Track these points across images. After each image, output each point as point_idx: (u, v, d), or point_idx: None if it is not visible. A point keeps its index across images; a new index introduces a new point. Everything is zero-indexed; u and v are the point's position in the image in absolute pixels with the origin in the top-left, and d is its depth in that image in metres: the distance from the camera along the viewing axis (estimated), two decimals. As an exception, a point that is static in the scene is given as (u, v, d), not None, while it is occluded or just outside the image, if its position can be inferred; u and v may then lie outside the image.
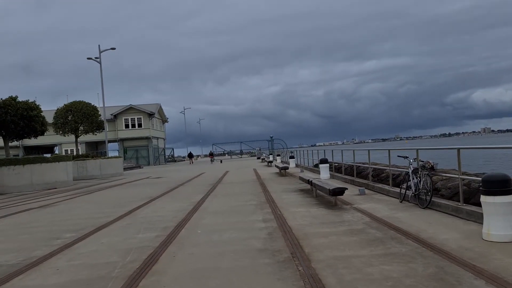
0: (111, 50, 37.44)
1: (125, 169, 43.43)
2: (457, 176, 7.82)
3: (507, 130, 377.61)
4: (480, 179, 6.06)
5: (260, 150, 67.10)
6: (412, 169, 9.32)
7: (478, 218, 6.63)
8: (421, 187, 8.61)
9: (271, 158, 36.29)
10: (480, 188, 5.77)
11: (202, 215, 9.74)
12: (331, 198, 10.00)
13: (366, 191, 11.71)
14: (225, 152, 72.11)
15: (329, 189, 9.24)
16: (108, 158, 33.86)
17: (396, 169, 12.82)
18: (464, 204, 7.46)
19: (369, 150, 13.10)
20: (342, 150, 16.95)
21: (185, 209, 10.89)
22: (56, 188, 22.47)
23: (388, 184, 12.23)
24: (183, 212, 10.32)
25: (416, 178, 8.98)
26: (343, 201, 10.13)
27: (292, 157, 29.15)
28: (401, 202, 9.49)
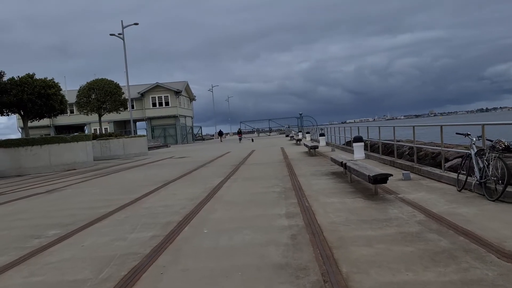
0: (136, 27, 36.12)
1: (151, 148, 42.65)
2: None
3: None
4: None
5: (289, 127, 65.09)
6: (475, 150, 7.39)
7: None
8: (490, 173, 6.69)
9: (300, 136, 34.45)
10: None
11: (215, 206, 8.19)
12: (370, 185, 8.22)
13: (412, 175, 9.82)
14: (254, 129, 70.49)
15: (368, 175, 7.45)
16: (132, 137, 32.87)
17: (450, 149, 10.81)
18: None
19: (413, 126, 11.12)
20: (379, 126, 14.97)
21: (197, 196, 9.37)
22: (75, 169, 21.54)
23: (439, 167, 10.29)
24: (194, 201, 8.80)
25: (482, 161, 7.06)
26: (386, 189, 8.33)
27: (322, 135, 27.20)
28: (459, 191, 7.61)
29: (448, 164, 13.21)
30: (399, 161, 12.32)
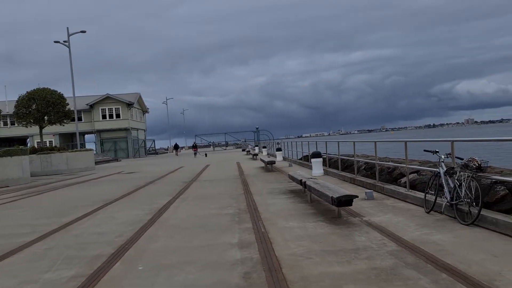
0: (89, 37, 34.25)
1: (100, 162, 40.41)
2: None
3: (490, 121, 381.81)
4: None
5: (245, 141, 64.29)
6: (444, 168, 6.80)
7: None
8: (463, 194, 6.08)
9: (256, 151, 33.71)
10: None
11: (158, 232, 7.10)
12: (332, 206, 7.44)
13: (375, 194, 9.18)
14: (210, 143, 69.12)
15: (332, 196, 6.66)
16: (77, 151, 30.78)
17: (415, 166, 10.30)
18: (542, 225, 4.94)
19: (375, 141, 10.57)
20: (338, 141, 14.42)
21: (139, 220, 8.23)
22: (7, 187, 19.52)
23: (403, 186, 9.75)
24: (134, 226, 7.66)
25: (453, 181, 6.47)
26: (349, 211, 7.58)
27: (279, 150, 26.56)
28: (428, 213, 6.98)
29: (403, 180, 12.82)
30: (360, 178, 11.72)
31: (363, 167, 19.90)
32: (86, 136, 57.97)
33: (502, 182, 7.92)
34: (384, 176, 17.54)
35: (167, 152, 73.53)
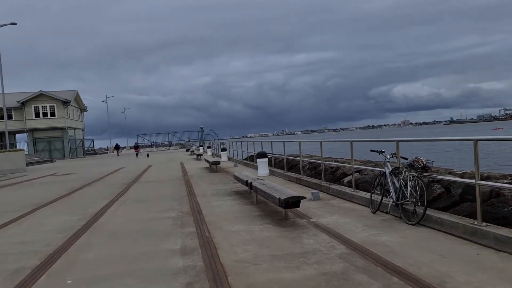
0: (21, 31, 31.84)
1: (33, 163, 37.87)
2: (471, 181, 5.37)
3: (423, 123, 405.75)
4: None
5: (189, 141, 63.16)
6: (390, 168, 6.80)
7: (525, 251, 4.18)
8: (408, 194, 6.08)
9: (200, 151, 33.11)
10: None
11: (91, 239, 6.51)
12: (279, 208, 7.23)
13: (321, 194, 9.10)
14: (152, 143, 67.19)
15: (279, 198, 6.43)
16: (6, 151, 28.56)
17: (360, 166, 10.35)
18: (486, 224, 4.99)
19: (321, 142, 10.52)
20: (284, 141, 14.33)
21: (72, 226, 7.55)
22: None
23: (347, 185, 9.78)
24: (65, 233, 6.99)
25: (398, 181, 6.47)
26: (296, 212, 7.40)
27: (224, 150, 26.19)
28: (374, 213, 6.96)
29: (346, 179, 12.95)
30: (306, 178, 11.65)
31: (307, 167, 20.07)
32: (17, 135, 54.22)
33: (439, 181, 8.10)
34: (327, 175, 17.74)
35: (107, 153, 70.63)
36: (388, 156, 6.93)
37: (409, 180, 6.10)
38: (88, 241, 6.38)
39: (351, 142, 8.56)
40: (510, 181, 8.22)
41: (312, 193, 8.92)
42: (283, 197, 6.37)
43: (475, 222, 5.04)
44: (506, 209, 7.25)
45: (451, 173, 9.55)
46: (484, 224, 4.94)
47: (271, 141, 16.67)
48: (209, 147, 34.92)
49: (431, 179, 7.66)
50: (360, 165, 13.55)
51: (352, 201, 8.19)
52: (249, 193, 9.70)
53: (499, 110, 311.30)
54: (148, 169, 22.03)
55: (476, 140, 5.03)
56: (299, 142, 12.67)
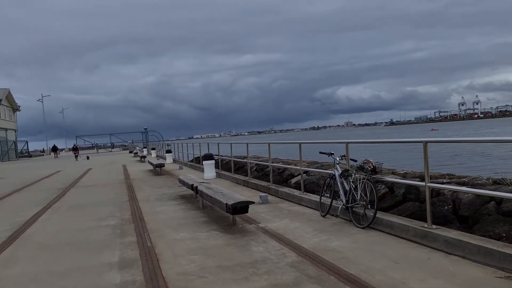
0: None
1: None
2: (421, 183, 5.32)
3: (365, 124, 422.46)
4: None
5: (133, 143, 61.03)
6: (340, 170, 6.68)
7: (475, 254, 4.15)
8: (358, 197, 5.97)
9: (144, 153, 32.01)
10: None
11: (17, 253, 5.82)
12: (227, 213, 6.88)
13: (269, 197, 8.86)
14: (94, 145, 64.24)
15: (226, 203, 6.09)
16: None
17: (309, 169, 10.24)
18: (435, 227, 4.95)
19: (269, 143, 10.31)
20: (231, 143, 13.99)
21: (-5, 239, 6.76)
22: None
23: (294, 187, 9.63)
24: (-13, 247, 6.22)
25: (348, 183, 6.36)
26: (244, 217, 7.09)
27: (169, 151, 25.42)
28: (324, 216, 6.80)
29: (294, 180, 12.88)
30: (254, 180, 11.39)
31: (255, 168, 19.90)
32: None
33: (383, 182, 8.12)
34: (275, 176, 17.66)
35: (43, 155, 66.68)
36: (338, 158, 6.81)
37: (359, 183, 5.99)
38: (13, 255, 5.70)
39: (300, 144, 8.41)
40: (448, 180, 8.43)
41: (260, 196, 8.67)
42: (230, 202, 6.04)
43: (425, 225, 4.99)
44: (446, 208, 7.39)
45: (393, 173, 9.68)
46: (434, 226, 4.90)
47: (218, 143, 16.30)
48: (153, 149, 33.85)
49: (381, 181, 7.63)
50: (307, 166, 13.56)
51: (301, 204, 8.02)
52: (195, 197, 9.28)
53: (434, 112, 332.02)
54: (88, 172, 20.86)
55: (426, 142, 4.98)
56: (247, 143, 12.41)
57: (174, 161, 25.20)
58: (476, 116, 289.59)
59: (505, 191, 6.17)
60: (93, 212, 8.81)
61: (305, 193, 8.29)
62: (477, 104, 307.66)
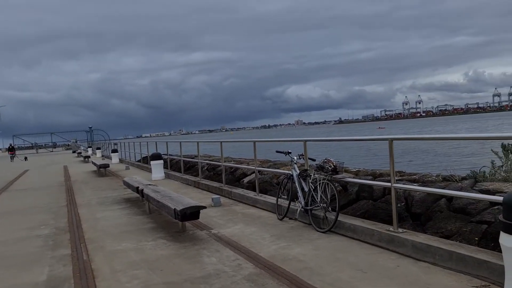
0: None
1: None
2: (387, 184, 4.98)
3: (315, 123, 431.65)
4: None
5: (76, 142, 58.01)
6: (298, 171, 6.25)
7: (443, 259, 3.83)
8: (318, 199, 5.55)
9: (89, 152, 30.33)
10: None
11: None
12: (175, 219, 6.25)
13: (222, 199, 8.30)
14: (33, 145, 60.41)
15: (175, 209, 5.47)
16: None
17: (265, 169, 9.77)
18: (402, 230, 4.62)
19: (221, 142, 9.74)
20: (180, 142, 13.28)
21: None
22: None
23: (249, 187, 9.14)
24: None
25: (307, 184, 5.94)
26: (195, 222, 6.48)
27: (115, 151, 24.13)
28: (281, 220, 6.35)
29: (246, 179, 12.43)
30: (205, 181, 10.76)
31: (205, 168, 19.24)
32: None
33: (345, 183, 7.85)
34: (226, 176, 17.11)
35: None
36: (295, 158, 6.38)
37: (319, 184, 5.58)
38: None
39: (254, 142, 7.91)
40: (400, 178, 8.30)
41: (212, 198, 8.08)
42: (179, 207, 5.42)
43: (391, 228, 4.65)
44: (399, 205, 7.23)
45: (346, 171, 9.47)
46: (400, 230, 4.57)
47: (167, 142, 15.49)
48: (98, 148, 32.19)
49: (343, 182, 7.27)
50: (260, 165, 13.13)
51: (256, 207, 7.52)
52: (141, 200, 8.54)
53: (380, 111, 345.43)
54: (24, 174, 19.28)
55: (391, 140, 4.64)
56: (197, 142, 11.77)
57: (121, 161, 23.97)
58: (418, 115, 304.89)
59: (454, 188, 6.03)
60: (23, 220, 7.85)
61: (260, 194, 7.81)
62: (419, 103, 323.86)
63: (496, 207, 5.30)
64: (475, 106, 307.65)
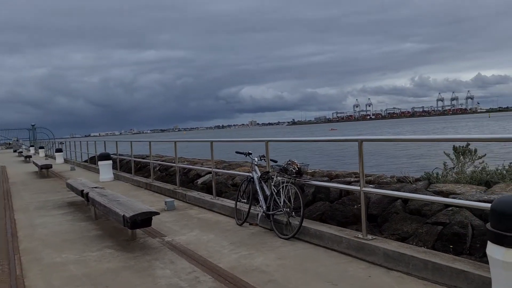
0: None
1: None
2: (357, 188, 4.70)
3: (269, 123, 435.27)
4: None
5: (17, 141, 54.49)
6: (259, 173, 5.87)
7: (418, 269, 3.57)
8: (281, 203, 5.19)
9: (31, 152, 28.47)
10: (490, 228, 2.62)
11: None
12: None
13: (176, 202, 7.77)
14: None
15: (123, 215, 4.91)
16: None
17: (222, 170, 9.29)
18: (371, 237, 4.34)
19: (175, 141, 9.17)
20: (131, 141, 12.53)
21: None
22: None
23: (204, 190, 8.68)
24: None
25: (269, 187, 5.57)
26: (147, 228, 5.94)
27: (59, 150, 22.69)
28: (240, 225, 5.94)
29: (200, 180, 11.90)
30: (158, 183, 10.13)
31: (157, 168, 18.46)
32: None
33: (309, 186, 7.56)
34: (180, 177, 16.44)
35: None
36: (256, 159, 6.00)
37: (282, 187, 5.23)
38: None
39: (211, 142, 7.44)
40: (356, 179, 8.17)
41: (165, 202, 7.53)
42: (129, 213, 4.87)
43: (359, 235, 4.36)
44: (355, 207, 7.10)
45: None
46: (370, 237, 4.30)
47: (116, 141, 14.63)
48: (42, 148, 30.30)
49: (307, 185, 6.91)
50: (214, 166, 12.64)
51: (213, 211, 7.07)
52: (87, 205, 7.83)
53: (332, 113, 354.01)
54: (-44, 175, 17.60)
55: (361, 141, 4.36)
56: (149, 142, 11.11)
57: (66, 161, 22.58)
58: (368, 117, 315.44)
59: (409, 190, 5.91)
60: None
61: (217, 197, 7.36)
62: (369, 106, 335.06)
63: (450, 208, 5.29)
64: (421, 110, 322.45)
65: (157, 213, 4.99)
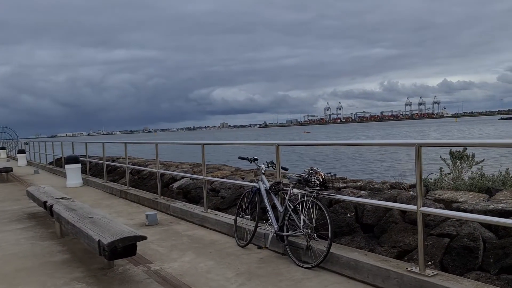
0: None
1: None
2: (413, 207, 3.68)
3: (240, 126, 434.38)
4: None
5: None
6: (267, 184, 4.79)
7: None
8: (301, 223, 4.14)
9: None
10: None
11: None
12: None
13: (159, 215, 6.58)
14: None
15: (98, 240, 3.72)
16: None
17: (219, 179, 8.14)
18: (432, 272, 3.34)
19: (156, 143, 7.97)
20: (104, 142, 11.19)
21: None
22: None
23: (183, 197, 7.55)
24: None
25: (281, 202, 4.51)
26: (126, 253, 4.76)
27: (22, 152, 20.87)
28: (243, 247, 4.85)
29: (176, 185, 10.69)
30: (135, 191, 8.85)
31: (129, 171, 17.03)
32: None
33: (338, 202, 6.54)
34: (153, 181, 15.13)
35: None
36: (263, 166, 4.93)
37: (300, 203, 4.18)
38: None
39: (203, 145, 6.30)
40: (344, 185, 7.36)
41: (147, 215, 6.33)
42: (106, 238, 3.69)
43: (414, 268, 3.36)
44: (348, 215, 6.31)
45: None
46: (430, 272, 3.29)
47: (86, 142, 13.22)
48: (3, 148, 28.18)
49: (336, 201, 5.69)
50: (191, 169, 11.48)
51: (204, 226, 5.93)
52: (51, 218, 6.54)
53: (303, 116, 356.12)
54: None
55: (419, 145, 3.36)
56: (125, 143, 9.84)
57: (29, 163, 20.80)
58: (339, 120, 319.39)
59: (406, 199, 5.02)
60: None
61: (209, 210, 6.22)
62: (340, 109, 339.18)
63: (455, 218, 4.57)
64: (390, 114, 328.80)
65: (144, 238, 3.83)
